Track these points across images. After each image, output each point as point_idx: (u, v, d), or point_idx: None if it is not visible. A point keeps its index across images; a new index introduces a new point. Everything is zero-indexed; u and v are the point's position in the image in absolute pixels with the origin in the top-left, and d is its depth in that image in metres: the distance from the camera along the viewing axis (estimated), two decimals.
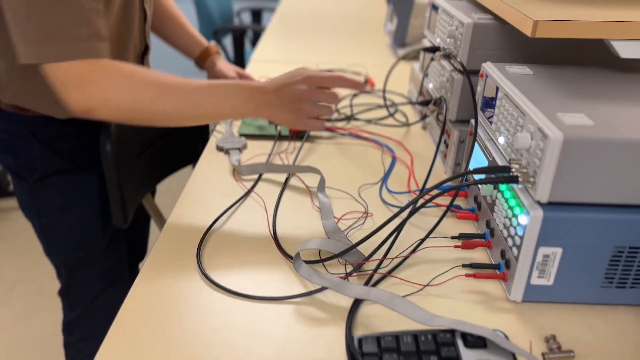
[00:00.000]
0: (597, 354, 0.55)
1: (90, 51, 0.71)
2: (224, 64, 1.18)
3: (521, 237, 0.58)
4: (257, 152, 0.99)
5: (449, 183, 0.68)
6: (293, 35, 1.86)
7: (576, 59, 0.83)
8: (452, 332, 0.54)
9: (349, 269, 0.67)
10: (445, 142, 0.93)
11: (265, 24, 3.25)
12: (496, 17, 0.85)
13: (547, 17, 0.66)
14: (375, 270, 0.66)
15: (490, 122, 0.71)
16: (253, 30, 2.89)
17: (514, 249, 0.60)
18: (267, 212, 0.80)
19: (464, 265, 0.66)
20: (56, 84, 0.71)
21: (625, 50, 0.67)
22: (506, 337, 0.54)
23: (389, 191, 0.86)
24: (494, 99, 0.70)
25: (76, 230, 1.00)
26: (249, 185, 0.87)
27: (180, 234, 0.75)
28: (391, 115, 1.15)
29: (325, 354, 0.55)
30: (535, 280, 0.59)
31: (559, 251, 0.57)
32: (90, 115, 0.73)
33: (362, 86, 0.84)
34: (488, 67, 0.74)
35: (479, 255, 0.70)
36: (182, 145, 1.21)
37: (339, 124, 1.11)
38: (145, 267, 0.68)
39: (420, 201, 0.76)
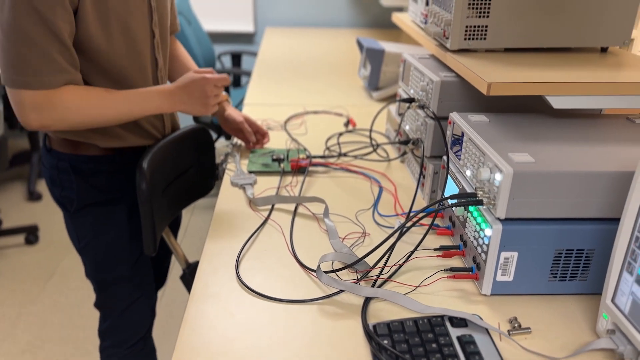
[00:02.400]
0: (547, 330, 0.75)
1: (50, 83, 0.94)
2: (232, 110, 1.37)
3: (487, 245, 0.78)
4: (265, 186, 1.18)
5: (431, 207, 0.89)
6: (277, 80, 2.07)
7: (521, 108, 1.06)
8: (442, 317, 0.73)
9: (357, 276, 0.85)
10: (422, 173, 1.14)
11: (244, 67, 3.47)
12: (458, 75, 1.07)
13: (498, 79, 0.88)
14: (378, 276, 0.85)
15: (459, 158, 0.92)
16: (233, 74, 3.09)
17: (483, 255, 0.80)
18: (285, 235, 0.98)
19: (445, 270, 0.85)
20: (18, 107, 0.95)
21: (557, 102, 0.89)
22: (481, 318, 0.73)
23: (380, 215, 1.06)
24: (460, 139, 0.91)
25: (107, 253, 1.17)
26: (264, 214, 1.06)
27: (217, 257, 0.92)
28: (374, 151, 1.36)
29: (347, 339, 0.73)
30: (500, 278, 0.79)
31: (515, 254, 0.78)
32: (45, 130, 0.98)
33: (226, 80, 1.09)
34: (454, 116, 0.96)
35: (456, 262, 0.90)
36: (196, 181, 1.38)
37: (331, 160, 1.31)
38: (195, 284, 0.85)
39: (409, 222, 0.96)
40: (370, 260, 0.87)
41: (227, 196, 1.13)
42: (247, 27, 3.40)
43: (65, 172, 1.10)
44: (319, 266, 0.83)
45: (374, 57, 1.82)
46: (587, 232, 0.77)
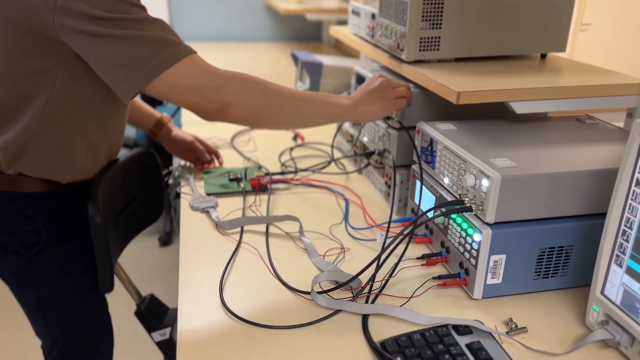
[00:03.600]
0: (540, 328, 0.77)
1: (189, 50, 0.87)
2: (179, 131, 1.30)
3: (477, 250, 0.79)
4: (228, 207, 1.13)
5: (420, 217, 0.89)
6: None
7: (477, 115, 1.10)
8: (446, 326, 0.74)
9: (352, 293, 0.84)
10: (387, 183, 1.14)
11: None
12: (418, 86, 1.09)
13: (465, 88, 0.91)
14: (369, 291, 0.84)
15: (432, 167, 0.94)
16: None
17: (472, 260, 0.81)
18: (263, 258, 0.94)
19: (434, 278, 0.86)
20: (200, 74, 0.87)
21: (520, 107, 0.94)
22: (482, 323, 0.75)
23: (354, 228, 1.05)
24: (431, 148, 0.93)
25: (75, 294, 1.05)
26: (235, 237, 1.01)
27: (197, 288, 0.86)
28: (332, 161, 1.35)
29: (354, 358, 0.71)
30: (490, 281, 0.81)
31: (503, 257, 0.80)
32: (226, 111, 0.88)
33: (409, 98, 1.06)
34: (423, 126, 0.97)
35: (439, 269, 0.91)
36: (145, 208, 1.30)
37: (290, 176, 1.28)
38: (181, 322, 0.79)
39: (401, 235, 0.96)
40: (360, 276, 0.86)
41: (190, 221, 1.07)
42: None
43: (18, 214, 0.97)
44: (312, 290, 0.81)
45: (312, 71, 1.82)
46: (566, 229, 0.81)
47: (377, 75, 1.07)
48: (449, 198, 0.88)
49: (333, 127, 1.67)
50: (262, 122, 0.94)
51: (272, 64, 2.65)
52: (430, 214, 0.92)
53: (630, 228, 0.67)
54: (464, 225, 0.82)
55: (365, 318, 0.78)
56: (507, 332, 0.75)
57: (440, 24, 1.07)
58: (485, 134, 0.93)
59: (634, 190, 0.66)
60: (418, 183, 0.98)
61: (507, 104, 0.94)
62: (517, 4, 1.08)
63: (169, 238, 2.66)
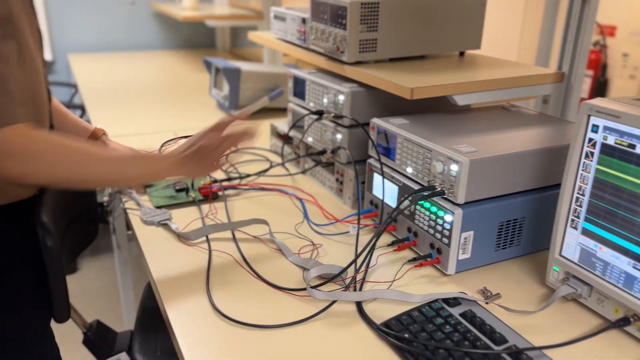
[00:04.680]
0: (510, 292, 0.87)
1: (9, 119, 0.76)
2: (116, 144, 1.24)
3: (449, 230, 0.87)
4: (184, 218, 1.10)
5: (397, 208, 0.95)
6: (122, 109, 1.92)
7: (418, 109, 1.20)
8: (436, 300, 0.80)
9: (346, 282, 0.87)
10: (338, 180, 1.20)
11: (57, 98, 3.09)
12: (361, 85, 1.16)
13: (417, 85, 0.99)
14: (355, 281, 0.88)
15: (392, 159, 1.00)
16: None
17: (444, 239, 0.89)
18: (240, 262, 0.94)
19: (409, 261, 0.93)
20: None
21: (461, 100, 1.04)
22: (466, 294, 0.82)
23: (318, 225, 1.09)
24: (388, 142, 1.00)
25: (22, 331, 0.95)
26: (202, 246, 1.00)
27: (184, 303, 0.84)
28: (280, 164, 1.37)
29: (361, 343, 0.75)
30: (461, 256, 0.90)
31: (471, 233, 0.89)
32: (27, 181, 0.78)
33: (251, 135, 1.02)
34: (377, 121, 1.04)
35: (408, 252, 0.98)
36: (84, 228, 1.21)
37: (236, 182, 1.28)
38: (179, 335, 0.77)
39: (383, 225, 1.01)
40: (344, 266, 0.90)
41: (147, 237, 1.03)
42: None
43: None
44: (309, 286, 0.83)
45: (231, 77, 1.82)
46: (519, 203, 0.92)
47: (206, 131, 0.96)
48: (414, 186, 0.95)
49: (266, 132, 1.69)
50: (70, 185, 0.87)
51: (175, 72, 2.57)
52: (405, 203, 0.99)
53: (583, 195, 0.79)
54: (433, 209, 0.90)
55: (359, 305, 0.82)
56: (486, 300, 0.84)
57: (377, 27, 1.15)
58: (435, 125, 1.02)
59: (584, 162, 0.78)
60: (377, 176, 1.04)
61: (450, 97, 1.04)
62: (440, 8, 1.19)
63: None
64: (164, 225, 1.08)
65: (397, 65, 1.17)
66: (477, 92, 1.05)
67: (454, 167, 0.85)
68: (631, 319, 0.75)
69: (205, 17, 2.55)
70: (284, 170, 1.37)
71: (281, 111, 1.94)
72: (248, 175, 1.30)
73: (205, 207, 1.15)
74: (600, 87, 3.90)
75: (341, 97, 1.14)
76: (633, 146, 0.71)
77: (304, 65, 2.45)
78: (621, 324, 0.76)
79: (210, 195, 1.19)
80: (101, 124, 1.70)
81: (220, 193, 1.21)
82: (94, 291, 2.44)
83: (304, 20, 1.36)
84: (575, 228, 0.81)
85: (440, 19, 1.21)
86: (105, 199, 1.29)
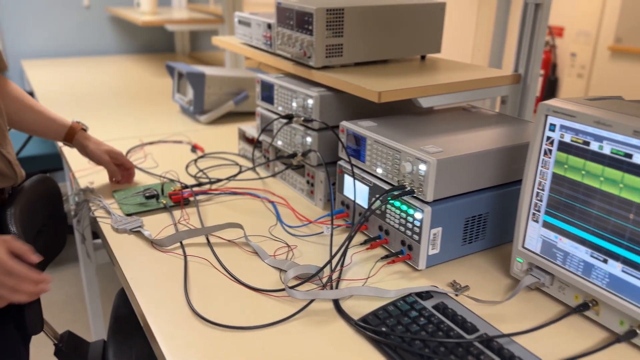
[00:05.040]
0: (477, 284, 0.92)
1: None
2: (95, 146, 1.23)
3: (419, 227, 0.91)
4: (156, 225, 1.10)
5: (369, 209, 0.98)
6: (81, 116, 1.89)
7: (384, 112, 1.24)
8: (410, 295, 0.84)
9: (323, 281, 0.90)
10: (308, 182, 1.22)
11: None
12: (329, 89, 1.19)
13: (384, 88, 1.03)
14: (330, 279, 0.91)
15: (362, 160, 1.04)
16: None
17: (415, 236, 0.93)
18: (216, 267, 0.95)
19: (382, 258, 0.96)
20: None
21: (425, 102, 1.08)
22: (438, 288, 0.86)
23: (291, 227, 1.11)
24: (358, 144, 1.03)
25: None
26: (177, 252, 1.00)
27: (163, 309, 0.85)
28: (250, 168, 1.38)
29: (341, 339, 0.77)
30: (431, 252, 0.94)
31: (440, 229, 0.93)
32: None
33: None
34: (346, 124, 1.07)
35: (379, 250, 1.02)
36: (52, 238, 1.20)
37: (206, 187, 1.29)
38: (161, 340, 0.77)
39: (357, 225, 1.04)
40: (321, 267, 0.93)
41: (119, 244, 1.03)
42: None
43: None
44: (287, 286, 0.85)
45: (196, 81, 1.82)
46: (483, 199, 0.97)
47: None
48: (385, 186, 0.98)
49: (233, 136, 1.70)
50: None
51: (132, 77, 2.54)
52: (377, 204, 1.02)
53: (543, 190, 0.84)
54: (403, 207, 0.94)
55: (336, 303, 0.85)
56: (456, 292, 0.88)
57: (342, 32, 1.18)
58: (402, 127, 1.06)
59: (543, 159, 0.83)
60: (347, 177, 1.08)
61: (415, 100, 1.08)
62: (402, 14, 1.24)
63: None
64: (137, 232, 1.08)
65: (363, 70, 1.21)
66: (440, 94, 1.09)
67: (422, 167, 0.89)
68: (590, 304, 0.81)
69: (165, 21, 2.53)
70: (254, 174, 1.38)
71: (247, 115, 1.95)
72: (218, 180, 1.31)
73: (177, 213, 1.16)
74: (550, 86, 4.07)
75: (310, 101, 1.16)
76: (587, 143, 0.77)
77: (265, 68, 2.47)
78: (581, 309, 0.81)
79: (181, 201, 1.19)
80: None
81: (191, 199, 1.21)
82: (59, 303, 2.38)
83: (269, 26, 1.38)
84: (537, 221, 0.86)
85: (402, 25, 1.25)
86: (73, 207, 1.27)
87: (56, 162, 2.55)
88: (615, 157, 0.73)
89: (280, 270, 0.95)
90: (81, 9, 3.11)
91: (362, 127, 1.04)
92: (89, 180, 1.31)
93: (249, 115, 1.96)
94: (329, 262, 0.89)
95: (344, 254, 0.94)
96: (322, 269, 0.89)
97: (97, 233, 1.15)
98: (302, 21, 1.20)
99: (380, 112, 1.24)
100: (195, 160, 1.47)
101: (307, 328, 0.80)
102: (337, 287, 0.90)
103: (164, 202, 1.19)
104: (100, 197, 1.21)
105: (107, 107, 2.02)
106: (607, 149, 0.74)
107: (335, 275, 0.92)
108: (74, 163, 1.42)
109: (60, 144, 1.45)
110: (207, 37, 3.48)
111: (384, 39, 1.24)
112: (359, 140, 1.04)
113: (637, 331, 0.75)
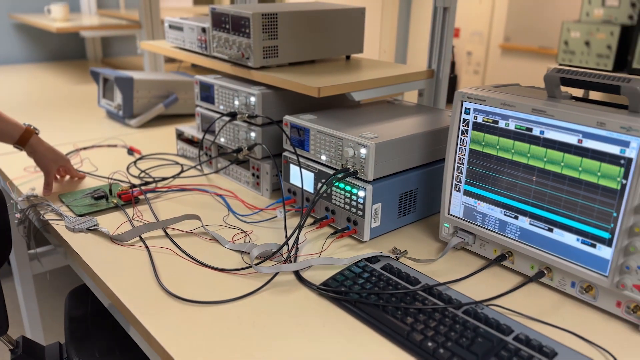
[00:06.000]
0: (413, 249, 1.07)
1: None
2: (42, 155, 1.24)
3: (363, 203, 1.05)
4: (111, 223, 1.15)
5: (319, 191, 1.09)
6: None
7: (324, 105, 1.36)
8: (361, 260, 0.97)
9: (284, 257, 1.00)
10: (254, 174, 1.32)
11: None
12: (268, 87, 1.29)
13: (323, 85, 1.15)
14: (289, 255, 1.01)
15: (307, 150, 1.15)
16: None
17: (359, 212, 1.06)
18: (180, 255, 1.03)
19: (331, 235, 1.09)
20: None
21: (357, 96, 1.22)
22: (382, 253, 1.00)
23: (244, 215, 1.20)
24: (302, 135, 1.15)
25: None
26: (138, 245, 1.06)
27: (138, 298, 0.91)
28: (194, 166, 1.45)
29: (307, 302, 0.89)
30: (373, 225, 1.08)
31: (380, 205, 1.07)
32: None
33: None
34: (289, 118, 1.18)
35: (327, 229, 1.14)
36: None
37: (151, 186, 1.34)
38: (146, 323, 0.84)
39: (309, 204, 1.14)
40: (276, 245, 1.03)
41: (79, 243, 1.07)
42: None
43: None
44: (254, 263, 0.95)
45: (124, 86, 1.84)
46: (413, 177, 1.12)
47: None
48: (329, 171, 1.11)
49: (166, 138, 1.74)
50: None
51: (45, 85, 2.47)
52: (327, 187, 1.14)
53: (462, 164, 1.01)
54: (348, 188, 1.07)
55: (297, 274, 0.96)
56: (397, 256, 1.02)
57: (277, 35, 1.29)
58: (339, 118, 1.19)
59: (461, 138, 1.00)
60: (293, 166, 1.19)
61: (349, 94, 1.22)
62: (329, 18, 1.37)
63: None
64: (93, 230, 1.12)
65: (297, 69, 1.32)
66: (370, 89, 1.24)
67: (363, 151, 1.03)
68: (507, 255, 0.98)
69: (81, 27, 2.48)
70: (197, 171, 1.45)
71: (177, 117, 2.00)
72: (164, 179, 1.37)
73: (129, 211, 1.21)
74: (451, 82, 4.42)
75: (252, 99, 1.26)
76: (496, 122, 0.94)
77: (188, 70, 2.51)
78: (499, 259, 0.98)
79: (132, 200, 1.24)
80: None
81: (141, 197, 1.26)
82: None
83: (204, 30, 1.45)
84: (459, 191, 1.03)
85: (329, 27, 1.38)
86: (18, 215, 1.27)
87: None
88: (519, 132, 0.91)
89: (242, 252, 1.04)
90: None
91: (304, 120, 1.16)
92: (30, 187, 1.31)
93: (179, 117, 2.01)
94: (289, 238, 1.00)
95: (299, 232, 1.05)
96: (283, 245, 0.99)
97: (41, 239, 1.17)
98: (238, 25, 1.29)
99: (316, 106, 1.36)
100: (135, 162, 1.51)
101: (275, 297, 0.90)
102: (296, 261, 1.00)
103: (115, 201, 1.23)
104: (47, 201, 1.23)
105: (29, 116, 1.97)
106: (512, 125, 0.92)
107: (293, 252, 1.03)
108: (8, 172, 1.41)
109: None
110: (120, 43, 3.43)
111: (314, 40, 1.37)
112: (303, 131, 1.15)
113: (544, 272, 0.93)
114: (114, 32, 2.63)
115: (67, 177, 1.39)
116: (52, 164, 1.27)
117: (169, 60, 3.05)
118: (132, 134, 1.79)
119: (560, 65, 3.41)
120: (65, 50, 3.27)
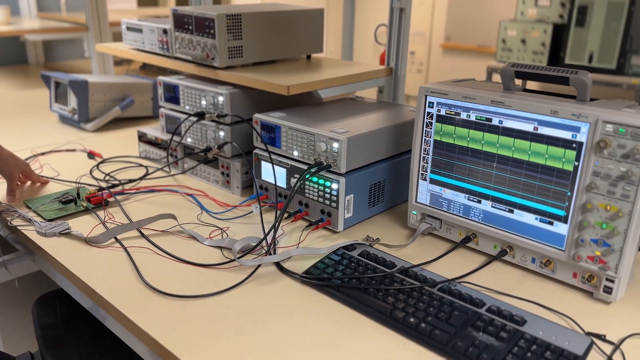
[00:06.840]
0: (385, 236, 1.12)
1: None
2: (5, 161, 1.21)
3: (337, 195, 1.09)
4: (83, 227, 1.14)
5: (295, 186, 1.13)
6: None
7: (290, 103, 1.40)
8: (339, 249, 1.02)
9: (266, 249, 1.03)
10: (224, 173, 1.34)
11: None
12: (235, 86, 1.32)
13: (291, 82, 1.19)
14: (269, 248, 1.05)
15: (278, 147, 1.19)
16: None
17: (333, 204, 1.11)
18: (160, 254, 1.04)
19: (306, 227, 1.13)
20: None
21: (323, 93, 1.27)
22: (358, 241, 1.05)
23: (217, 213, 1.22)
24: (273, 132, 1.18)
25: None
26: (115, 246, 1.06)
27: (123, 298, 0.92)
28: (162, 167, 1.45)
29: (290, 291, 0.92)
30: (346, 215, 1.13)
31: (352, 196, 1.12)
32: None
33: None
34: (259, 116, 1.22)
35: (301, 222, 1.18)
36: None
37: (119, 188, 1.33)
38: (134, 317, 0.85)
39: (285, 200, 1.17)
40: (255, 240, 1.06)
41: (53, 247, 1.06)
42: None
43: None
44: (237, 257, 0.98)
45: (79, 89, 1.80)
46: (381, 168, 1.18)
47: None
48: (302, 166, 1.15)
49: (125, 140, 1.73)
50: None
51: None
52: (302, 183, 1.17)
53: (428, 154, 1.08)
54: (321, 181, 1.11)
55: (279, 265, 0.99)
56: (371, 243, 1.08)
57: (241, 35, 1.32)
58: (307, 115, 1.23)
59: (425, 130, 1.07)
60: (264, 163, 1.22)
61: (315, 92, 1.27)
62: (290, 19, 1.41)
63: None
64: (66, 234, 1.11)
65: (261, 68, 1.36)
66: (335, 86, 1.29)
67: (335, 145, 1.08)
68: (471, 237, 1.06)
69: (24, 31, 2.40)
70: (164, 172, 1.45)
71: (134, 120, 1.98)
72: (131, 181, 1.37)
73: (100, 214, 1.20)
74: None
75: (221, 98, 1.28)
76: (458, 114, 1.01)
77: (138, 72, 2.47)
78: (465, 242, 1.06)
79: (102, 202, 1.23)
80: None
81: (110, 199, 1.26)
82: None
83: (165, 31, 1.46)
84: (425, 179, 1.10)
85: (291, 28, 1.43)
86: None
87: None
88: (479, 122, 0.99)
89: (222, 248, 1.06)
90: None
91: (274, 118, 1.20)
92: None
93: (136, 119, 1.98)
94: (270, 232, 1.04)
95: (278, 225, 1.09)
96: (263, 239, 1.03)
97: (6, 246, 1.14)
98: (202, 26, 1.31)
99: (281, 105, 1.40)
100: (97, 166, 1.49)
101: (259, 288, 0.93)
102: (276, 253, 1.04)
103: (84, 204, 1.22)
104: (13, 207, 1.20)
105: None
106: (473, 117, 0.99)
107: (272, 245, 1.06)
108: None
109: None
110: (63, 46, 3.32)
111: (277, 40, 1.41)
112: (273, 129, 1.19)
113: (507, 250, 1.01)
114: (59, 36, 2.55)
115: (29, 182, 1.36)
116: (15, 170, 1.24)
117: (117, 62, 2.99)
118: (89, 138, 1.76)
119: (499, 62, 3.61)
120: (4, 55, 3.13)
